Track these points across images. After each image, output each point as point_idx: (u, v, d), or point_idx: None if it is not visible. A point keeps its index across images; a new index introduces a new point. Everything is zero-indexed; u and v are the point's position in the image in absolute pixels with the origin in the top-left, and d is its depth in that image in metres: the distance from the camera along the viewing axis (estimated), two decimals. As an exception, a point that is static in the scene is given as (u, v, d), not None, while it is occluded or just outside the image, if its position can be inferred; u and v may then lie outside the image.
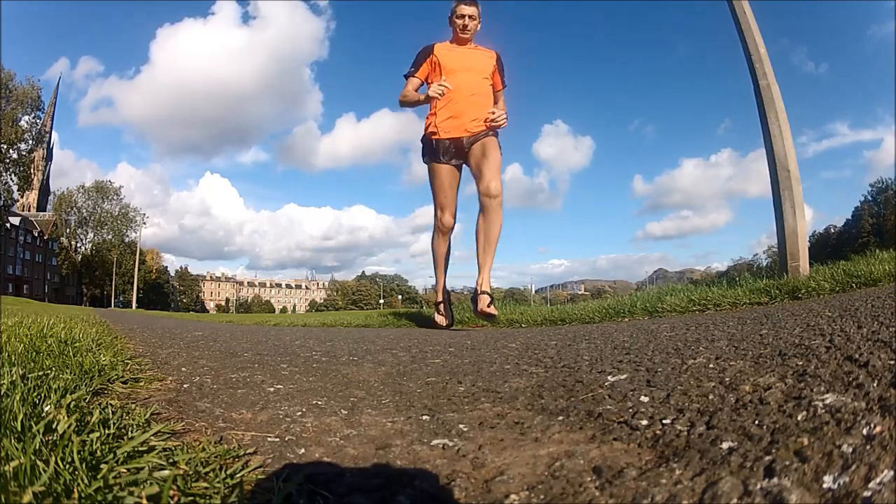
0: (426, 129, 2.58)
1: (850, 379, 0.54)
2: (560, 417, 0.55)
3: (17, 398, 0.53)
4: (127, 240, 62.07)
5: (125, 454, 0.42)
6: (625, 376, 0.72)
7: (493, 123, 2.50)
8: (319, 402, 0.69)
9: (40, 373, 0.72)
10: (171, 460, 0.42)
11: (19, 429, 0.45)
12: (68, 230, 61.97)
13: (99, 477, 0.36)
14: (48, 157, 73.06)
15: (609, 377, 0.72)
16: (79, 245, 63.43)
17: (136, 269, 48.59)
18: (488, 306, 2.45)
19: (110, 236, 62.24)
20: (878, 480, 0.33)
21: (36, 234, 59.20)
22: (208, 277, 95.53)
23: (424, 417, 0.60)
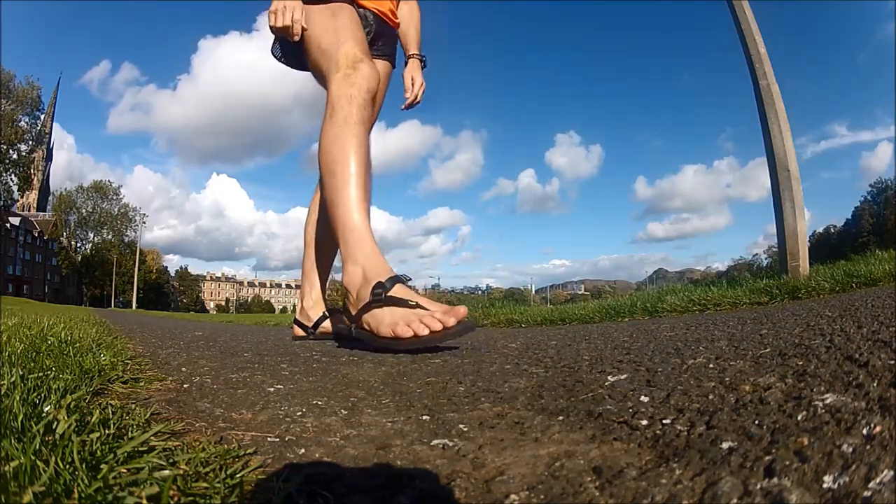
0: None
1: (850, 379, 0.54)
2: (560, 417, 0.55)
3: (17, 398, 0.53)
4: (127, 240, 62.06)
5: (125, 454, 0.42)
6: (625, 376, 0.72)
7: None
8: (319, 402, 0.69)
9: (40, 373, 0.72)
10: (171, 460, 0.42)
11: (19, 429, 0.45)
12: (68, 230, 61.95)
13: (99, 477, 0.36)
14: (48, 157, 73.14)
15: (609, 377, 0.72)
16: (79, 245, 63.46)
17: (136, 270, 48.57)
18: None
19: (110, 236, 62.23)
20: (878, 480, 0.33)
21: (36, 234, 59.22)
22: (208, 277, 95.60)
23: (424, 417, 0.60)
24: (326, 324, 1.75)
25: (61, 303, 42.34)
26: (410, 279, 1.24)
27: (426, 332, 1.07)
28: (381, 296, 1.16)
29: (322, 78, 1.49)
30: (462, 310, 1.11)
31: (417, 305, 1.13)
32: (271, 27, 1.50)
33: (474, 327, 1.10)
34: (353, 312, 1.23)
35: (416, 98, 1.89)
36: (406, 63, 1.90)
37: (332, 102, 1.39)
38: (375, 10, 1.69)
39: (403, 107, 1.92)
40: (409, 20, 1.87)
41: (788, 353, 0.74)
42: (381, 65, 1.74)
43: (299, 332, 1.80)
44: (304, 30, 1.50)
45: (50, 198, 66.17)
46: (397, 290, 1.16)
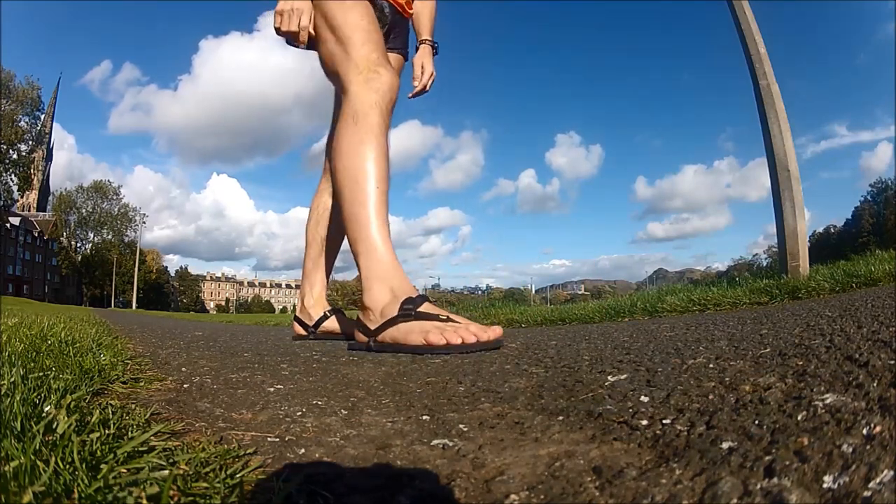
0: None
1: (850, 379, 0.54)
2: (560, 417, 0.55)
3: (18, 398, 0.53)
4: (127, 240, 62.07)
5: (125, 454, 0.42)
6: (625, 376, 0.72)
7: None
8: (319, 402, 0.69)
9: (40, 373, 0.72)
10: (171, 460, 0.42)
11: (19, 429, 0.45)
12: (68, 230, 61.97)
13: (99, 477, 0.36)
14: (48, 157, 73.19)
15: (609, 377, 0.72)
16: (79, 245, 63.46)
17: (136, 270, 48.57)
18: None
19: (110, 236, 62.24)
20: (878, 480, 0.33)
21: (36, 234, 59.22)
22: (208, 277, 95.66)
23: (424, 417, 0.60)
24: (328, 323, 1.74)
25: (61, 303, 42.36)
26: (434, 302, 1.24)
27: (459, 340, 1.07)
28: (410, 311, 1.15)
29: (334, 74, 1.43)
30: (498, 329, 1.13)
31: (448, 319, 1.14)
32: (276, 29, 1.44)
33: (502, 344, 1.13)
34: (373, 328, 1.21)
35: (424, 87, 1.81)
36: (416, 48, 1.81)
37: (353, 107, 1.34)
38: (391, 1, 1.61)
39: (410, 95, 1.83)
40: (423, 4, 1.78)
41: (788, 353, 0.74)
42: (394, 58, 1.66)
43: (300, 330, 1.80)
44: (310, 36, 1.43)
45: (50, 198, 66.22)
46: (426, 308, 1.17)
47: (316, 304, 1.78)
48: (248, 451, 0.48)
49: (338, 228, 1.74)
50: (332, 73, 1.45)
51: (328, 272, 1.85)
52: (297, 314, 1.82)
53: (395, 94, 1.38)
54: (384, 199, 1.30)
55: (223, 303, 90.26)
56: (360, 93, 1.33)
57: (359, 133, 1.32)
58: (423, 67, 1.80)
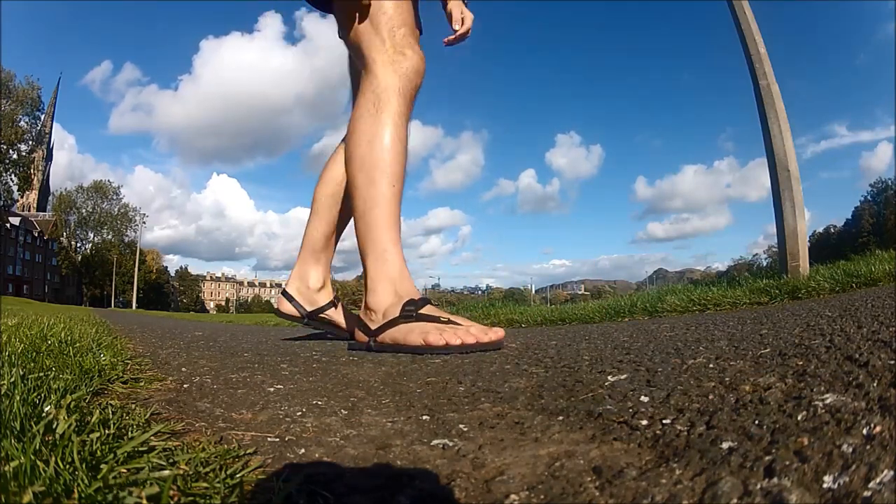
0: None
1: (850, 379, 0.54)
2: (560, 417, 0.55)
3: (18, 398, 0.53)
4: (127, 240, 62.08)
5: (125, 454, 0.42)
6: (625, 376, 0.72)
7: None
8: (319, 402, 0.69)
9: (40, 373, 0.72)
10: (171, 460, 0.42)
11: (19, 429, 0.45)
12: (68, 230, 61.98)
13: (99, 477, 0.36)
14: (48, 157, 73.21)
15: (609, 377, 0.72)
16: (79, 245, 63.47)
17: (136, 270, 48.57)
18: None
19: (110, 236, 62.25)
20: (878, 480, 0.33)
21: (36, 234, 59.21)
22: (208, 277, 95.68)
23: (424, 417, 0.60)
24: (331, 312, 1.62)
25: (61, 303, 42.37)
26: (437, 305, 1.22)
27: (458, 341, 1.07)
28: (411, 312, 1.15)
29: (356, 45, 1.32)
30: (500, 331, 1.13)
31: (449, 321, 1.14)
32: None
33: (502, 346, 1.13)
34: (373, 328, 1.21)
35: (467, 32, 1.65)
36: (445, 2, 1.67)
37: (375, 91, 1.24)
38: None
39: (449, 40, 1.67)
40: None
41: (788, 353, 0.74)
42: None
43: (288, 308, 1.61)
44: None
45: (50, 198, 66.27)
46: (428, 310, 1.16)
47: (323, 289, 1.65)
48: (248, 451, 0.48)
49: (348, 212, 1.56)
50: (354, 43, 1.33)
51: (333, 251, 1.73)
52: (290, 291, 1.63)
53: (421, 79, 1.28)
54: (398, 198, 1.25)
55: (223, 303, 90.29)
56: (383, 75, 1.25)
57: (379, 121, 1.24)
58: (463, 13, 1.67)
